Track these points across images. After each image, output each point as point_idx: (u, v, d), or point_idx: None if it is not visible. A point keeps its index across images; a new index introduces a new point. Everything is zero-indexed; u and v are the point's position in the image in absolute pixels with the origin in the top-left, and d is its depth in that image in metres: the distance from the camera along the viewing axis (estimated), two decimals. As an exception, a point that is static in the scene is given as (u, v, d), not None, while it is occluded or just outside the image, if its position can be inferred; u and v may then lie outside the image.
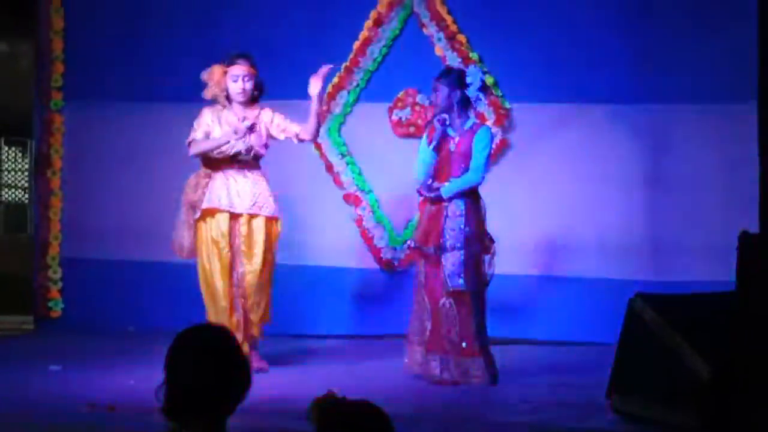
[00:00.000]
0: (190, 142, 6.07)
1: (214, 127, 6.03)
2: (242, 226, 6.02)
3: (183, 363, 2.39)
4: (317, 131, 6.17)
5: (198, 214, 6.04)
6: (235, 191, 6.00)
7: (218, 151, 6.01)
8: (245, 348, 5.91)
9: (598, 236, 7.22)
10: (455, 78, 5.79)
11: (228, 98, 6.07)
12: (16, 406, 5.12)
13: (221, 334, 2.46)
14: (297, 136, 6.11)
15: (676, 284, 6.65)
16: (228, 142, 5.98)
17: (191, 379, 2.37)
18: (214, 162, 6.05)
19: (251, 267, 6.00)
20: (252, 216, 6.03)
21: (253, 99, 6.11)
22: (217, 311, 5.98)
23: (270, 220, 6.08)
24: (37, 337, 7.67)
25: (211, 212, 6.03)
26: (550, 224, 7.30)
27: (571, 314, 7.25)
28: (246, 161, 6.06)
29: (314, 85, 6.00)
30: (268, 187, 6.09)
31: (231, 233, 6.04)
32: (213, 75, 6.04)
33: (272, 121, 6.08)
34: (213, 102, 6.10)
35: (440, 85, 5.79)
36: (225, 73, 6.03)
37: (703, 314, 4.49)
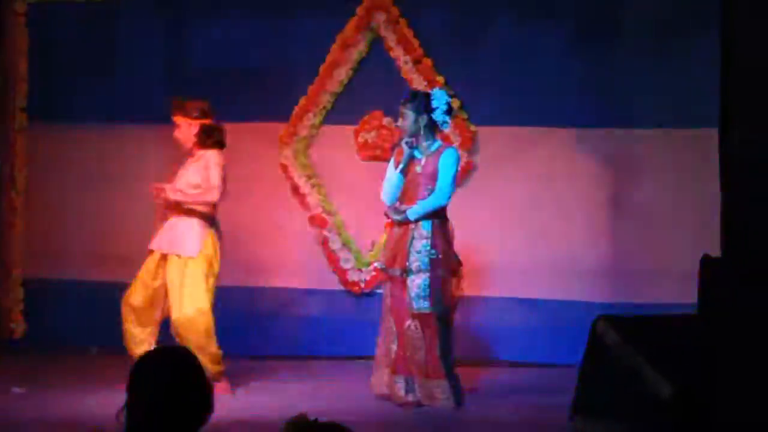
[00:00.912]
0: None
1: None
2: (167, 265, 6.16)
3: (145, 385, 2.39)
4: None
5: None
6: (166, 232, 6.20)
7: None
8: None
9: (562, 258, 7.26)
10: (421, 102, 5.83)
11: None
12: (-22, 428, 5.08)
13: (184, 356, 2.46)
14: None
15: (640, 306, 6.71)
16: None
17: (153, 401, 2.36)
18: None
19: (172, 304, 6.10)
20: (176, 256, 6.15)
21: (203, 144, 6.22)
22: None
23: (180, 258, 6.13)
24: (0, 359, 7.60)
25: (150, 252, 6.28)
26: (515, 246, 7.33)
27: (535, 336, 7.28)
28: (180, 204, 6.19)
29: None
30: (198, 228, 6.15)
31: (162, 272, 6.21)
32: None
33: (207, 168, 6.16)
34: None
35: (406, 110, 5.83)
36: None
37: (665, 336, 4.53)
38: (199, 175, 6.13)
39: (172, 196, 6.13)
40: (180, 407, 2.36)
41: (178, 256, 6.11)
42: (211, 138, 6.19)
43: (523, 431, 5.21)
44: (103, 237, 7.80)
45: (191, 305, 6.03)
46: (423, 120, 5.81)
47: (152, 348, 5.91)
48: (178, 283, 6.06)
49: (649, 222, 7.17)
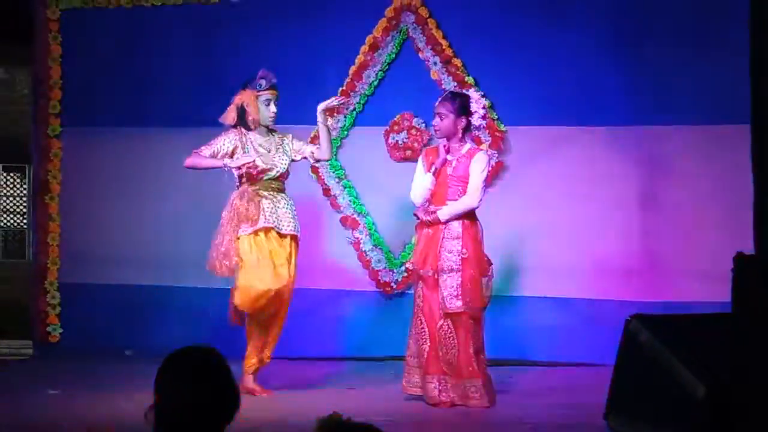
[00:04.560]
0: (193, 152, 6.17)
1: (240, 151, 6.13)
2: (285, 247, 6.12)
3: (172, 383, 2.42)
4: (331, 149, 6.33)
5: (249, 231, 6.07)
6: (282, 212, 6.13)
7: (258, 170, 6.10)
8: (251, 371, 6.09)
9: (594, 258, 7.24)
10: (462, 105, 5.82)
11: (250, 123, 6.17)
12: (15, 430, 5.13)
13: (210, 355, 2.49)
14: (312, 155, 6.27)
15: (673, 305, 6.68)
16: (223, 166, 6.08)
17: (180, 399, 2.39)
18: (259, 182, 6.13)
19: (285, 285, 6.08)
20: (292, 237, 6.15)
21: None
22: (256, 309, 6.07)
23: (297, 241, 6.20)
24: (36, 362, 7.68)
25: (266, 230, 6.10)
26: (547, 246, 7.32)
27: (568, 335, 7.27)
28: (282, 183, 6.21)
29: (322, 106, 6.20)
30: (295, 208, 6.24)
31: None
32: (247, 98, 6.15)
33: (291, 144, 6.25)
34: (229, 127, 6.20)
35: (446, 111, 5.80)
36: (257, 97, 6.14)
37: (698, 335, 4.51)
38: (295, 151, 6.27)
39: None
40: (206, 405, 2.39)
41: (292, 237, 6.18)
42: None
43: (557, 431, 5.19)
44: (138, 241, 7.86)
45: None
46: (461, 123, 5.80)
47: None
48: (294, 264, 6.15)
49: (682, 220, 7.14)
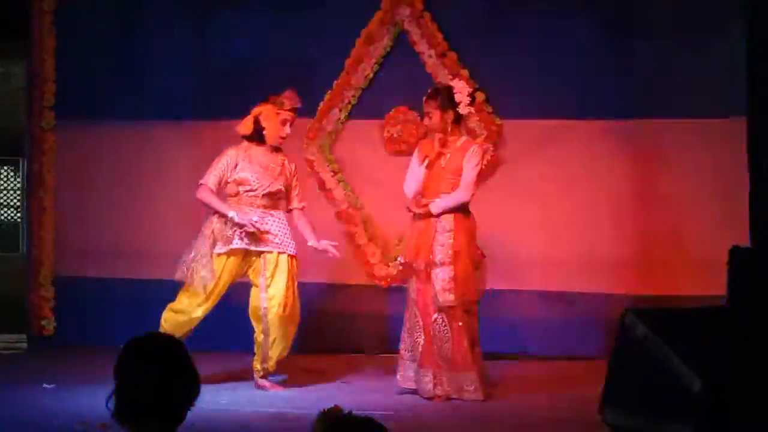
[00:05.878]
0: (201, 185, 6.10)
1: (245, 165, 6.08)
2: (269, 264, 6.06)
3: (131, 369, 2.44)
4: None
5: (224, 250, 6.04)
6: (265, 229, 6.06)
7: (249, 189, 6.08)
8: (258, 376, 6.10)
9: (589, 251, 7.24)
10: (445, 99, 5.80)
11: (259, 138, 6.13)
12: (10, 424, 5.13)
13: (169, 342, 2.52)
14: (295, 206, 6.28)
15: (668, 299, 6.68)
16: (228, 215, 6.00)
17: (135, 381, 2.42)
18: (246, 199, 6.10)
19: (274, 303, 6.03)
20: (279, 253, 6.08)
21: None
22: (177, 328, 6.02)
23: (292, 258, 6.12)
24: (30, 356, 7.67)
25: (238, 251, 6.07)
26: (542, 239, 7.32)
27: (563, 329, 7.27)
28: (274, 200, 6.16)
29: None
30: (288, 227, 6.17)
31: (254, 270, 6.10)
32: (267, 113, 6.08)
33: (293, 177, 6.24)
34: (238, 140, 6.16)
35: (431, 109, 5.80)
36: (276, 114, 6.09)
37: (694, 328, 4.50)
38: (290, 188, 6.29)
39: None
40: (165, 390, 2.41)
41: (279, 253, 6.11)
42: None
43: (551, 424, 5.19)
44: (132, 235, 7.85)
45: (290, 306, 6.11)
46: (449, 117, 5.79)
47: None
48: (285, 281, 6.08)
49: (677, 213, 7.14)
